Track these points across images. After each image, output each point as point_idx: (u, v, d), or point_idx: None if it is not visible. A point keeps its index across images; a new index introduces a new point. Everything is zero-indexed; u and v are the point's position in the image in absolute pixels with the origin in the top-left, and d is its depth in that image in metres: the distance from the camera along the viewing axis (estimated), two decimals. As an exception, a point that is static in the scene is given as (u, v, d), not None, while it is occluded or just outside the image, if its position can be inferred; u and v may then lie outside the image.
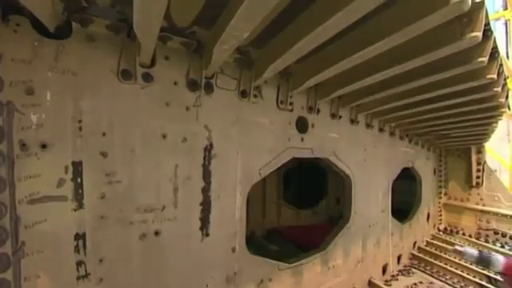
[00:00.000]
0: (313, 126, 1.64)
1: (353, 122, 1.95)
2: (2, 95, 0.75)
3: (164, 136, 1.04)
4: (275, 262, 1.45)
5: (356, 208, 2.03)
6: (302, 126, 1.59)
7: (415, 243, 3.03)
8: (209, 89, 1.16)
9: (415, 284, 2.35)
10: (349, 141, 1.92)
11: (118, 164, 0.94)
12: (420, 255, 2.83)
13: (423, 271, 2.67)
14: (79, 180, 0.87)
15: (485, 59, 1.03)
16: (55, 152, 0.83)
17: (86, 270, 0.88)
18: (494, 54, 1.11)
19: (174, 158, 1.07)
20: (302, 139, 1.58)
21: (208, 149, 1.16)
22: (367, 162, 2.11)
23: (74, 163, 0.86)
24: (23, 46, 0.78)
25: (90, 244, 0.89)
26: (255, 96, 1.33)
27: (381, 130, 2.25)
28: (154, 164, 1.02)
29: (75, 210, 0.86)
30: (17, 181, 0.77)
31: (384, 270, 2.47)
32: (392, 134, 2.42)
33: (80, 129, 0.87)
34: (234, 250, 1.25)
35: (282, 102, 1.46)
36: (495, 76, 1.19)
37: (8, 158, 0.75)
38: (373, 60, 1.07)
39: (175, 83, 1.07)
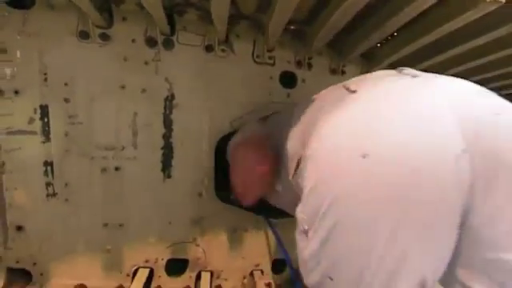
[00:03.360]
0: (303, 81, 1.60)
1: (365, 78, 1.80)
2: (-17, 54, 1.02)
3: (122, 87, 1.21)
4: (252, 213, 1.51)
5: None
6: (287, 80, 1.57)
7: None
8: (168, 45, 1.28)
9: None
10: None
11: (79, 109, 1.16)
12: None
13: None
14: (46, 119, 1.11)
15: None
16: (26, 97, 1.09)
17: (53, 190, 1.13)
18: None
19: (132, 106, 1.23)
20: (289, 95, 1.56)
21: (169, 99, 1.29)
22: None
23: (41, 106, 1.11)
24: (-3, 15, 1.04)
25: (56, 170, 1.13)
26: (223, 50, 1.39)
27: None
28: (113, 111, 1.20)
29: (43, 143, 1.11)
30: (-2, 117, 1.05)
31: None
32: None
33: (46, 79, 1.11)
34: (200, 195, 1.37)
35: (258, 56, 1.48)
36: None
37: (-11, 100, 1.03)
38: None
39: (133, 41, 1.23)
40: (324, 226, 0.75)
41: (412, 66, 0.84)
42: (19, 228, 1.11)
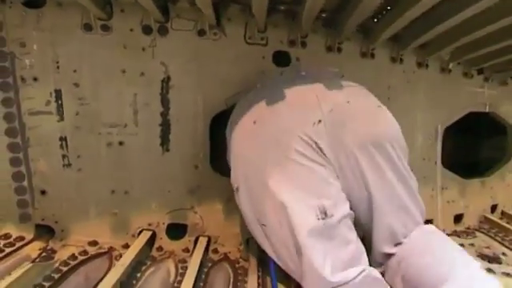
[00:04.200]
0: (297, 59, 1.66)
1: (365, 55, 1.79)
2: (7, 48, 1.24)
3: (123, 71, 1.38)
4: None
5: None
6: (280, 59, 1.64)
7: (495, 206, 2.45)
8: (163, 32, 1.42)
9: (461, 245, 1.95)
10: (360, 76, 1.78)
11: (87, 92, 1.35)
12: (495, 219, 2.26)
13: (492, 237, 2.15)
14: (60, 102, 1.32)
15: None
16: (43, 83, 1.30)
17: (68, 161, 1.34)
18: None
19: (133, 88, 1.40)
20: (282, 73, 1.63)
21: (165, 81, 1.44)
22: (392, 101, 1.89)
23: (55, 90, 1.31)
24: (16, 15, 1.25)
25: (70, 144, 1.34)
26: (215, 34, 1.49)
27: (420, 64, 1.93)
28: (116, 93, 1.38)
29: (58, 121, 1.32)
30: (21, 100, 1.28)
31: None
32: (443, 70, 2.02)
33: (58, 67, 1.31)
34: (196, 167, 1.51)
35: (250, 38, 1.56)
36: None
37: (14, 87, 1.25)
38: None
39: (131, 30, 1.38)
40: (239, 179, 1.15)
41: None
42: (43, 192, 1.34)
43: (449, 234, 2.21)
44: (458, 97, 2.14)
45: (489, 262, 1.77)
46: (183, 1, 1.43)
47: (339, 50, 1.75)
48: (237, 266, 1.46)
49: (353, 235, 1.05)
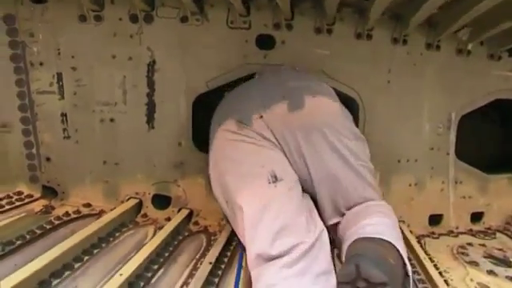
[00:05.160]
0: (283, 42, 1.68)
1: (360, 36, 1.72)
2: (19, 38, 1.50)
3: (113, 56, 1.56)
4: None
5: (368, 136, 1.77)
6: (264, 43, 1.67)
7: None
8: (149, 20, 1.56)
9: (469, 244, 1.77)
10: (354, 59, 1.73)
11: (83, 75, 1.55)
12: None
13: (513, 238, 1.89)
14: (61, 83, 1.55)
15: None
16: (47, 67, 1.53)
17: (68, 134, 1.58)
18: None
19: (122, 71, 1.57)
20: (265, 56, 1.67)
21: (151, 64, 1.59)
22: (393, 84, 1.79)
23: (57, 73, 1.54)
24: (26, 10, 1.49)
25: (69, 120, 1.57)
26: (197, 20, 1.59)
27: (429, 45, 1.78)
28: (107, 75, 1.57)
29: (59, 100, 1.55)
30: (30, 82, 1.53)
31: (435, 221, 1.96)
32: (460, 51, 1.82)
33: (59, 54, 1.53)
34: (179, 144, 1.65)
35: (232, 22, 1.63)
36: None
37: (25, 70, 1.51)
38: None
39: (120, 19, 1.55)
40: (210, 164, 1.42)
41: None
42: (48, 159, 1.60)
43: (462, 233, 2.05)
44: (480, 82, 1.93)
45: (496, 264, 1.62)
46: (167, -10, 1.54)
47: (329, 31, 1.72)
48: (213, 238, 1.57)
49: (299, 206, 1.14)
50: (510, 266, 1.59)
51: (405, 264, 0.99)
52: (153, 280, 1.20)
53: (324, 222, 1.21)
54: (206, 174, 1.67)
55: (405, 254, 1.02)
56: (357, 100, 1.76)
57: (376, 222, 1.11)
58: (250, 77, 1.62)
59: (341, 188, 1.21)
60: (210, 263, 1.27)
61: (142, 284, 1.15)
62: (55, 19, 1.50)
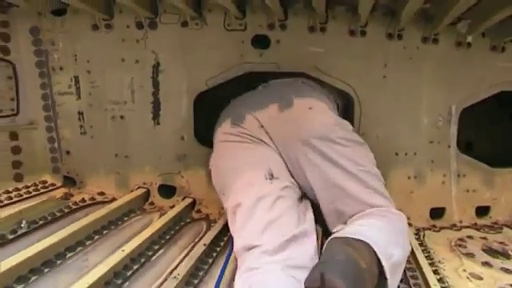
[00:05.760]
0: (278, 41, 1.78)
1: (353, 33, 1.77)
2: (43, 47, 1.72)
3: (123, 60, 1.74)
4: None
5: (365, 130, 1.83)
6: (259, 42, 1.77)
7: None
8: (153, 26, 1.73)
9: (469, 237, 1.75)
10: (349, 55, 1.79)
11: (96, 77, 1.74)
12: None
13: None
14: (78, 85, 1.75)
15: None
16: (66, 71, 1.73)
17: (84, 130, 1.77)
18: None
19: (130, 73, 1.75)
20: (261, 55, 1.78)
21: (156, 66, 1.75)
22: (389, 79, 1.82)
23: (74, 76, 1.74)
24: (48, 23, 1.70)
25: (85, 118, 1.77)
26: (196, 24, 1.73)
27: (425, 39, 1.79)
28: (118, 77, 1.75)
29: (77, 100, 1.75)
30: (53, 85, 1.74)
31: (437, 214, 1.94)
32: (460, 44, 1.81)
33: (76, 59, 1.73)
34: (182, 138, 1.80)
35: (228, 25, 1.75)
36: None
37: (48, 75, 1.72)
38: None
39: (128, 26, 1.72)
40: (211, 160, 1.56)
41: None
42: (68, 152, 1.81)
43: (467, 227, 2.03)
44: (483, 74, 1.90)
45: (493, 256, 1.61)
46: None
47: (323, 29, 1.79)
48: (212, 225, 1.70)
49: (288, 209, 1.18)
50: (508, 258, 1.59)
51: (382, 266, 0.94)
52: (153, 258, 1.35)
53: (329, 230, 1.27)
54: (207, 165, 1.82)
55: (386, 256, 0.95)
56: (352, 95, 1.81)
57: (365, 224, 1.08)
58: (248, 75, 1.74)
59: (342, 196, 1.20)
60: (205, 245, 1.40)
61: (142, 260, 1.30)
62: (72, 29, 1.70)
